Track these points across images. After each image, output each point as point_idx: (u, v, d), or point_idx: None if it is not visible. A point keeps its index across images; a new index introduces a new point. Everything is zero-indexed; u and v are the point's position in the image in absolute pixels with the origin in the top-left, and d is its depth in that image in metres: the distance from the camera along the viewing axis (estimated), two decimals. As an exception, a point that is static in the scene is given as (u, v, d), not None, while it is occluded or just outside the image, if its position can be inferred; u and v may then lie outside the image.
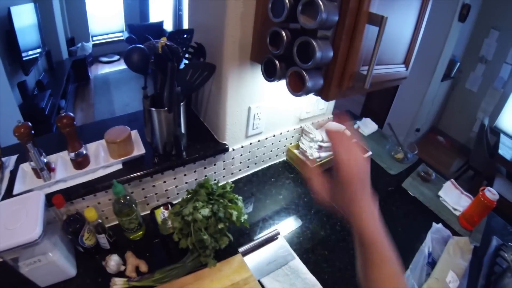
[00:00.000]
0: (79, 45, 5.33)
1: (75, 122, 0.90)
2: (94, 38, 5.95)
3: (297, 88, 0.69)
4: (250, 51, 0.95)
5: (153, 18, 6.22)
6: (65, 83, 4.14)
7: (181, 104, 0.93)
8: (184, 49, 0.95)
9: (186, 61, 1.02)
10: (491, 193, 1.28)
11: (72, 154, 0.91)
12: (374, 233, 0.49)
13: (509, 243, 1.28)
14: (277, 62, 0.74)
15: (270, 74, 0.78)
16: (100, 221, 0.90)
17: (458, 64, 3.72)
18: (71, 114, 0.89)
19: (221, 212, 0.89)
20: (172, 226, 0.91)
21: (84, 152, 0.94)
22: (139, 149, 1.01)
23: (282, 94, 1.18)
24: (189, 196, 0.95)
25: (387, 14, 0.60)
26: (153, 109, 0.91)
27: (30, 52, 3.40)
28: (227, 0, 0.83)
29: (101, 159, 0.97)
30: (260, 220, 1.14)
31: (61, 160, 0.95)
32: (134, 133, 1.06)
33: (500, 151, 3.11)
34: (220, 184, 1.00)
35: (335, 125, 0.57)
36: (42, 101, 3.31)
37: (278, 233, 1.08)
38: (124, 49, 0.89)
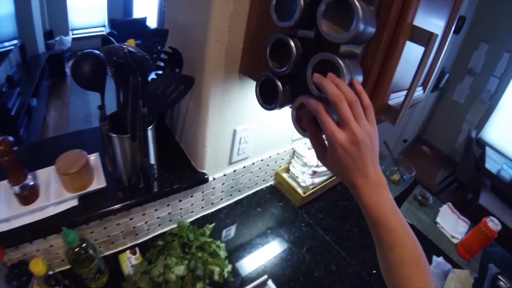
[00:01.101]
0: (58, 38, 5.02)
1: (15, 148, 0.70)
2: (74, 32, 5.63)
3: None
4: (240, 62, 0.77)
5: (137, 14, 5.96)
6: (39, 79, 3.85)
7: (149, 128, 0.76)
8: (155, 56, 0.76)
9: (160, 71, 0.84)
10: (493, 224, 1.25)
11: (16, 188, 0.72)
12: (379, 209, 0.44)
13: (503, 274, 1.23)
14: (279, 84, 0.54)
15: (269, 100, 0.58)
16: (51, 272, 0.72)
17: (448, 75, 3.69)
18: (10, 138, 0.69)
19: (199, 269, 0.73)
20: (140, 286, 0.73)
21: (31, 183, 0.75)
22: (99, 181, 0.82)
23: (274, 112, 1.02)
24: (159, 248, 0.77)
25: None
26: (113, 135, 0.73)
27: (3, 44, 3.12)
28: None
29: (52, 193, 0.78)
30: (245, 261, 0.98)
31: (5, 192, 0.76)
32: (94, 158, 0.88)
33: (487, 165, 3.08)
34: (196, 230, 0.83)
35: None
36: (9, 100, 3.03)
37: (267, 279, 0.92)
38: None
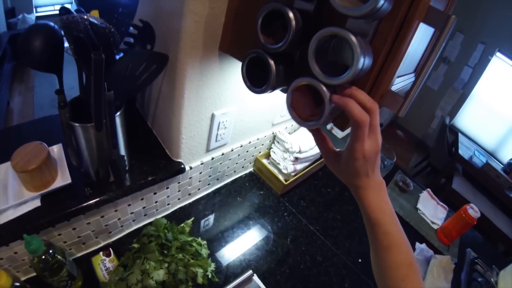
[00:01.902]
0: (20, 17, 4.64)
1: None
2: (38, 10, 5.21)
3: (307, 111, 0.44)
4: (220, 38, 0.69)
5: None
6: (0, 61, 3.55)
7: (117, 114, 0.67)
8: (123, 30, 0.66)
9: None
10: (473, 210, 1.29)
11: None
12: (379, 211, 0.45)
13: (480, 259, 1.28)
14: (272, 62, 0.47)
15: (257, 82, 0.51)
16: (17, 284, 0.64)
17: (424, 62, 3.75)
18: None
19: (181, 273, 0.67)
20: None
21: None
22: (63, 177, 0.72)
23: (255, 96, 0.94)
24: (134, 250, 0.70)
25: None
26: (76, 124, 0.63)
27: None
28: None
29: (11, 193, 0.67)
30: (229, 257, 0.93)
31: None
32: (57, 150, 0.77)
33: (460, 151, 3.19)
34: (175, 227, 0.76)
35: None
36: (-34, 85, 2.77)
37: (252, 274, 0.87)
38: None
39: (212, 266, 0.78)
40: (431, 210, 1.46)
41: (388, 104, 0.46)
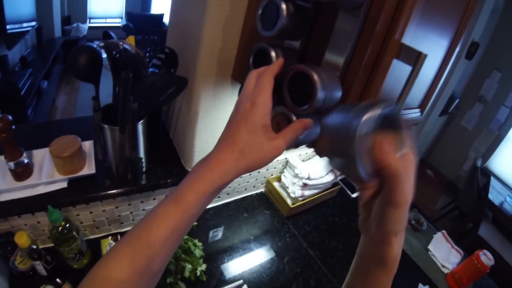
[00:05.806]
0: (75, 25, 5.08)
1: (13, 126, 0.73)
2: (92, 20, 5.71)
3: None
4: (233, 68, 0.77)
5: (155, 10, 6.02)
6: (51, 63, 3.89)
7: (140, 122, 0.76)
8: (152, 54, 0.77)
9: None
10: (486, 258, 1.21)
11: (11, 164, 0.76)
12: (395, 256, 0.37)
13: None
14: None
15: None
16: (34, 246, 0.75)
17: (457, 100, 3.64)
18: (9, 117, 0.72)
19: (171, 264, 0.73)
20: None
21: (26, 161, 0.78)
22: (89, 167, 0.85)
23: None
24: None
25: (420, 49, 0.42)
26: (105, 125, 0.74)
27: (20, 25, 3.11)
28: (208, -1, 0.64)
29: (44, 173, 0.81)
30: (223, 264, 0.97)
31: (1, 166, 0.79)
32: (88, 145, 0.90)
33: (490, 196, 3.01)
34: None
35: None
36: (20, 80, 3.07)
37: (243, 284, 0.91)
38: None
39: (203, 266, 0.83)
40: (443, 253, 1.40)
41: None
